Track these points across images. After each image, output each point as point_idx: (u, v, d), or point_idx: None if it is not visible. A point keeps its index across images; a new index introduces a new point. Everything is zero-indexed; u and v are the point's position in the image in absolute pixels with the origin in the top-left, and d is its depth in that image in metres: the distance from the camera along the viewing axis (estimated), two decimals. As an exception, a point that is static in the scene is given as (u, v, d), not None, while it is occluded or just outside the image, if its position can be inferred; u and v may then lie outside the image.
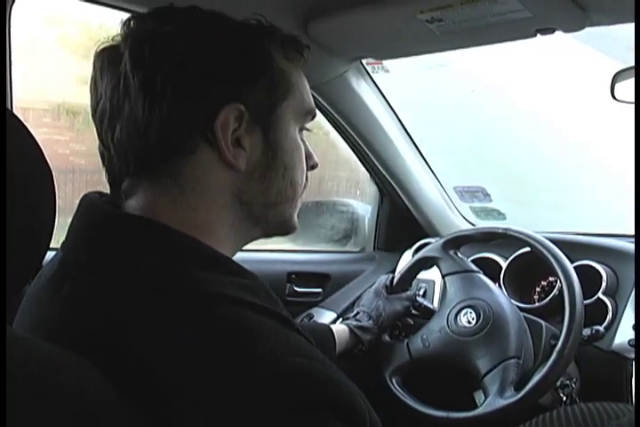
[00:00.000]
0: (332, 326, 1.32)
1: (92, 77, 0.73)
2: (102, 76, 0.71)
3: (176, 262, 0.66)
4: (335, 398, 0.62)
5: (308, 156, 0.80)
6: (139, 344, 0.61)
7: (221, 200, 0.73)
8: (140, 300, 0.63)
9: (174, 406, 0.58)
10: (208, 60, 0.69)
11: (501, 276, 1.54)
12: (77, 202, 0.73)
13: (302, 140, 0.79)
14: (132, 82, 0.68)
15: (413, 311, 1.44)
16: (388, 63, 1.59)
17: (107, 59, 0.71)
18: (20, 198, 0.53)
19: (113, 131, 0.70)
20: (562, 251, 1.29)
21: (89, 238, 0.70)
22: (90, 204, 0.72)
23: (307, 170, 0.80)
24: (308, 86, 0.79)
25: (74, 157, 1.83)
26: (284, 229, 0.81)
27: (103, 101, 0.70)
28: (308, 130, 0.81)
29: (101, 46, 0.73)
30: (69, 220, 0.73)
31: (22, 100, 1.33)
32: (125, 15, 0.73)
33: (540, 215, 2.25)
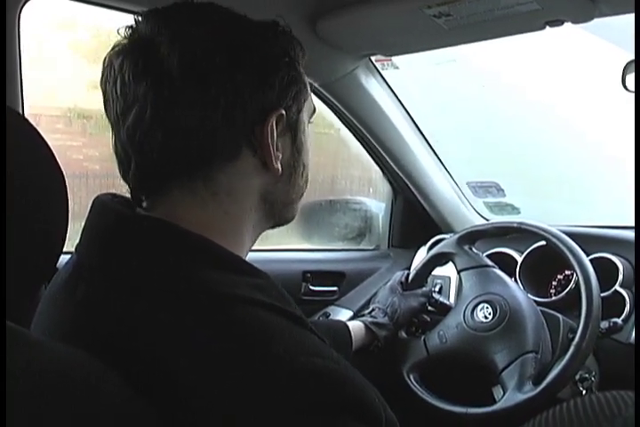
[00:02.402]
0: (348, 323, 1.32)
1: (117, 79, 0.68)
2: (137, 80, 0.67)
3: (188, 264, 0.66)
4: (350, 398, 0.62)
5: None
6: (152, 346, 0.61)
7: (250, 203, 0.74)
8: (153, 302, 0.63)
9: (188, 408, 0.58)
10: (256, 68, 0.70)
11: (517, 270, 1.53)
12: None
13: None
14: (182, 89, 0.66)
15: (429, 308, 1.44)
16: (397, 59, 1.58)
17: (143, 60, 0.67)
18: (32, 201, 0.54)
19: (153, 136, 0.67)
20: (577, 244, 1.28)
21: (101, 240, 0.70)
22: (102, 205, 0.72)
23: None
24: None
25: (87, 162, 1.84)
26: (289, 221, 0.82)
27: (140, 106, 0.67)
28: None
29: (125, 45, 0.69)
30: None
31: (34, 107, 1.33)
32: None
33: (554, 209, 2.23)
